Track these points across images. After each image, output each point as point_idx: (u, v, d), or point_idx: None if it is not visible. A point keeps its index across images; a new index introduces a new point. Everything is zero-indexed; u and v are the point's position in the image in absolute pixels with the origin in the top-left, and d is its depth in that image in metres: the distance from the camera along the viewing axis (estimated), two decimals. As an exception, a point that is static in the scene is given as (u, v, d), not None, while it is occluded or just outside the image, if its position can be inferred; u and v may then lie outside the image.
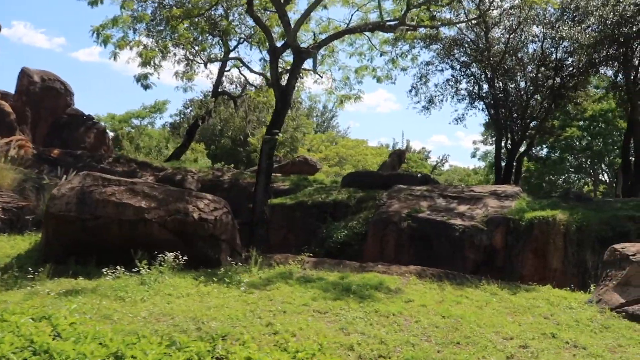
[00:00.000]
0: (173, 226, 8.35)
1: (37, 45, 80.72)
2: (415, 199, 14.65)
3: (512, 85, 19.14)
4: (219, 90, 22.92)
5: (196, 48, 15.56)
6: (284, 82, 16.26)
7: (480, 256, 12.35)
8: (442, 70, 19.99)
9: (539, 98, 18.60)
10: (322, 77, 19.79)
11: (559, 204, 13.45)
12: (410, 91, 20.17)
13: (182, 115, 22.42)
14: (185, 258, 7.31)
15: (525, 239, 11.98)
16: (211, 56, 16.16)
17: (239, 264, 7.95)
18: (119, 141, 38.47)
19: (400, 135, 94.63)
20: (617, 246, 6.88)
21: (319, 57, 19.18)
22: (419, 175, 18.24)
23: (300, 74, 20.52)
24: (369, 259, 13.41)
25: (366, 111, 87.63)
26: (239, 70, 21.11)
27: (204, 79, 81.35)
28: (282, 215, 16.36)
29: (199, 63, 15.91)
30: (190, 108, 21.75)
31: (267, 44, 15.82)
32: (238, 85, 23.32)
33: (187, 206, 8.42)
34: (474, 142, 64.92)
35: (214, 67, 22.59)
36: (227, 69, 22.18)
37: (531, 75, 18.82)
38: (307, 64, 20.68)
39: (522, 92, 18.96)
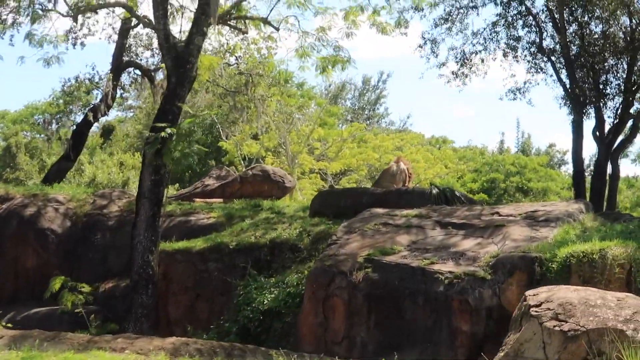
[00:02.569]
0: None
1: None
2: (391, 231, 14.83)
3: (600, 28, 18.89)
4: (123, 60, 24.11)
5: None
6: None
7: (480, 326, 12.22)
8: (475, 7, 20.07)
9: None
10: (278, 29, 20.49)
11: (634, 231, 13.20)
12: (423, 46, 20.39)
13: (59, 109, 23.60)
14: None
15: (557, 294, 11.92)
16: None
17: None
18: (11, 156, 40.78)
19: (515, 126, 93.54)
20: (530, 292, 6.91)
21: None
22: (434, 191, 18.34)
23: (247, 28, 21.30)
24: (307, 340, 13.65)
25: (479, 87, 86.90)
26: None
27: (97, 44, 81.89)
28: (187, 270, 16.83)
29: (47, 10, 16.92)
30: (74, 93, 22.85)
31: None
32: (157, 52, 24.43)
33: None
34: None
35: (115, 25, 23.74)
36: (132, 24, 23.29)
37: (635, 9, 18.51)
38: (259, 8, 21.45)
39: (621, 39, 18.67)
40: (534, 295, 6.71)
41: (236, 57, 25.42)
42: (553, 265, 12.22)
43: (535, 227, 14.03)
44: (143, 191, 16.29)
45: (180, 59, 16.81)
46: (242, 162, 38.65)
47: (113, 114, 48.01)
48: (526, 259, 12.47)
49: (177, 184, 38.47)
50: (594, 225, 14.07)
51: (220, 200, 22.61)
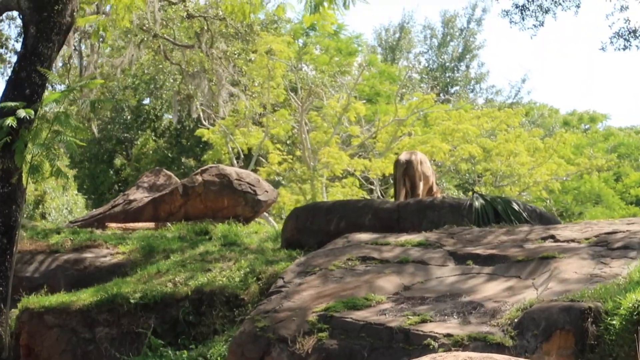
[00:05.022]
0: None
1: None
2: (372, 270, 15.01)
3: None
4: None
5: None
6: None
7: None
8: None
9: None
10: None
11: None
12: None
13: None
14: None
15: (618, 367, 11.85)
16: None
17: None
18: None
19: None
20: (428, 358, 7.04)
21: None
22: (477, 203, 18.40)
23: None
24: None
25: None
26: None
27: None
28: (63, 340, 17.09)
29: None
30: None
31: None
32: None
33: None
34: None
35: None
36: None
37: None
38: None
39: None
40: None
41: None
42: (614, 322, 12.15)
43: (603, 259, 14.01)
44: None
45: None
46: (236, 160, 39.18)
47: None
48: (572, 312, 12.42)
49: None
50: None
51: (151, 224, 22.94)
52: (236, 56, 26.30)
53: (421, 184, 20.19)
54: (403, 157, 20.79)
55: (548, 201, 46.00)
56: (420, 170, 20.16)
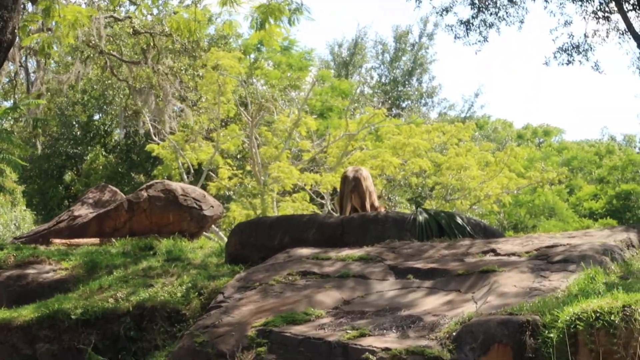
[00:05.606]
0: None
1: None
2: (313, 285, 15.01)
3: None
4: None
5: None
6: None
7: None
8: None
9: None
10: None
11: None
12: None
13: None
14: None
15: (556, 380, 11.86)
16: None
17: None
18: None
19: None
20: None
21: None
22: (420, 217, 18.47)
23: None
24: None
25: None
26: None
27: None
28: (3, 356, 16.96)
29: None
30: None
31: None
32: None
33: None
34: None
35: None
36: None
37: None
38: None
39: None
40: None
41: (135, 3, 25.78)
42: (552, 335, 12.18)
43: (543, 273, 14.09)
44: None
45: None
46: (186, 175, 39.17)
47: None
48: (510, 325, 12.43)
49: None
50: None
51: (96, 240, 22.83)
52: (183, 72, 26.29)
53: (368, 200, 20.31)
54: (350, 174, 20.79)
55: (500, 214, 46.36)
56: (366, 186, 20.27)
